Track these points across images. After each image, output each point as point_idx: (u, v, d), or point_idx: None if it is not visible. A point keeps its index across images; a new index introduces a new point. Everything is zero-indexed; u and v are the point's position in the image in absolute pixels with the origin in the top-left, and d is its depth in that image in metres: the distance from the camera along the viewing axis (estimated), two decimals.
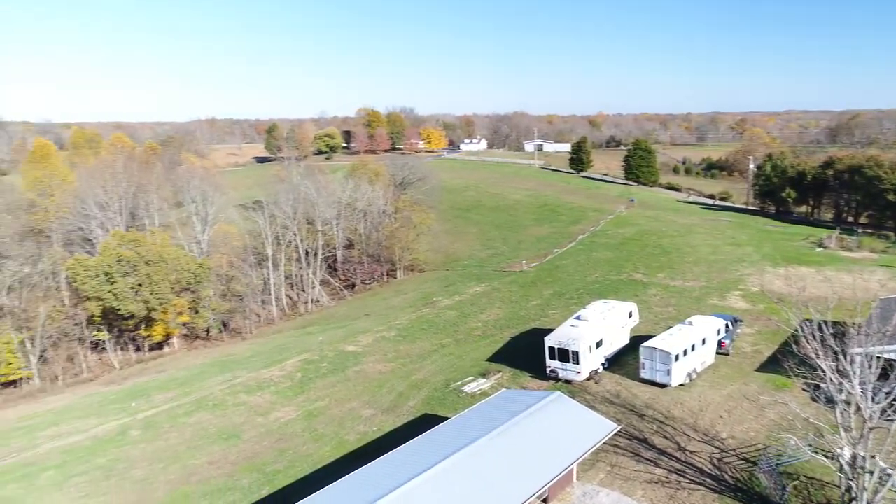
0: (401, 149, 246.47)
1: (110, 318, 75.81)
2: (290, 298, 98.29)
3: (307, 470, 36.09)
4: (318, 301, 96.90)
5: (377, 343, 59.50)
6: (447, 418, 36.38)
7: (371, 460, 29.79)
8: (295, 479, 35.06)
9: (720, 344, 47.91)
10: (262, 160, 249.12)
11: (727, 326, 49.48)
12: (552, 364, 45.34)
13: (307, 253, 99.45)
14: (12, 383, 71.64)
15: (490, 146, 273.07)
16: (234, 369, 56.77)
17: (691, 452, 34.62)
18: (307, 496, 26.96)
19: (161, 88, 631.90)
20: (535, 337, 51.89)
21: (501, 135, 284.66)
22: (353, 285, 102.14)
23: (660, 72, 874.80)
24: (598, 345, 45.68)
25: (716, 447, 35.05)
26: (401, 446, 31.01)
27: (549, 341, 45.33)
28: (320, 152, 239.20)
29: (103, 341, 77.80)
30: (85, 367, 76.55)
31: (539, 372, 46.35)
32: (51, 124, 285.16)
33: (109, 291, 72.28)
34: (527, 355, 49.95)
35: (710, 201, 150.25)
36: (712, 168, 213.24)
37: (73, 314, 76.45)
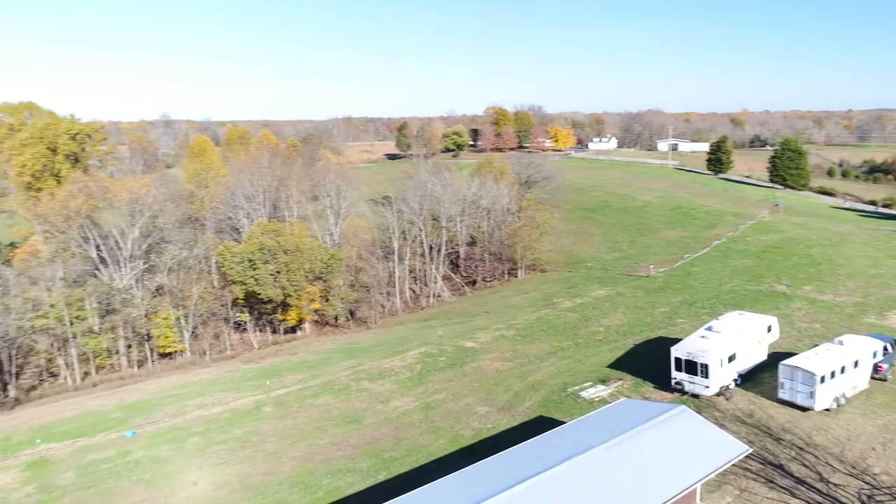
0: (527, 147, 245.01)
1: (252, 302, 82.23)
2: (413, 292, 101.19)
3: (422, 460, 36.94)
4: (439, 296, 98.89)
5: (495, 341, 59.62)
6: (563, 422, 35.66)
7: (485, 457, 29.88)
8: (411, 468, 36.02)
9: (876, 368, 42.96)
10: (392, 157, 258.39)
11: (885, 349, 44.22)
12: (678, 376, 43.00)
13: (431, 248, 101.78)
14: (169, 355, 79.99)
15: (620, 145, 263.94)
16: (358, 356, 59.42)
17: (835, 485, 31.33)
18: (422, 485, 27.57)
19: (304, 89, 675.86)
20: (661, 346, 49.46)
21: (633, 133, 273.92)
22: (474, 282, 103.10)
23: (815, 64, 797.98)
24: (731, 359, 42.64)
25: (865, 482, 31.45)
26: (515, 446, 30.82)
27: (676, 352, 43.01)
28: (447, 150, 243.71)
29: (245, 322, 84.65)
30: (228, 344, 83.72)
31: (663, 383, 44.14)
32: (209, 122, 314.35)
33: (252, 277, 78.35)
34: (650, 365, 47.76)
35: (871, 208, 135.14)
36: (875, 171, 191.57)
37: (221, 296, 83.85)
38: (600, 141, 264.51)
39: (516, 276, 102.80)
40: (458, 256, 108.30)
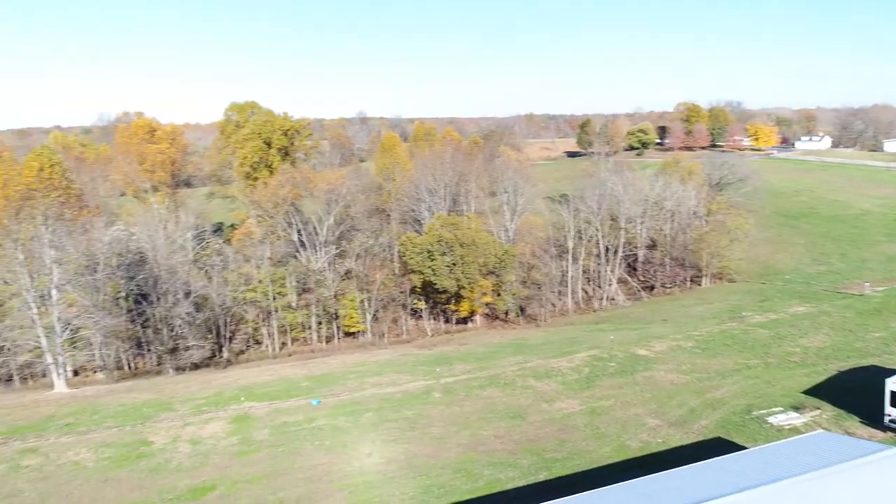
0: (721, 146, 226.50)
1: (428, 291, 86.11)
2: (586, 293, 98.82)
3: (585, 465, 35.98)
4: (613, 299, 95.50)
5: (672, 351, 56.11)
6: (744, 448, 32.51)
7: (654, 471, 28.25)
8: (572, 472, 35.27)
9: None
10: (572, 155, 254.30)
11: None
12: (893, 413, 37.02)
13: (607, 249, 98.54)
14: (352, 334, 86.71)
15: (835, 145, 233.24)
16: (526, 353, 59.47)
17: None
18: (584, 490, 26.83)
19: (489, 86, 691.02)
20: (873, 376, 42.99)
21: (852, 131, 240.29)
22: (652, 287, 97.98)
23: None
24: None
25: None
26: (689, 465, 28.73)
27: (894, 384, 37.07)
28: (631, 148, 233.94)
29: (420, 310, 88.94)
30: (405, 329, 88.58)
31: (872, 419, 38.32)
32: (400, 120, 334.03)
33: (429, 267, 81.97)
34: (857, 395, 41.73)
35: None
36: None
37: (401, 283, 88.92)
38: (810, 139, 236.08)
39: (700, 285, 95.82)
40: (636, 259, 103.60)
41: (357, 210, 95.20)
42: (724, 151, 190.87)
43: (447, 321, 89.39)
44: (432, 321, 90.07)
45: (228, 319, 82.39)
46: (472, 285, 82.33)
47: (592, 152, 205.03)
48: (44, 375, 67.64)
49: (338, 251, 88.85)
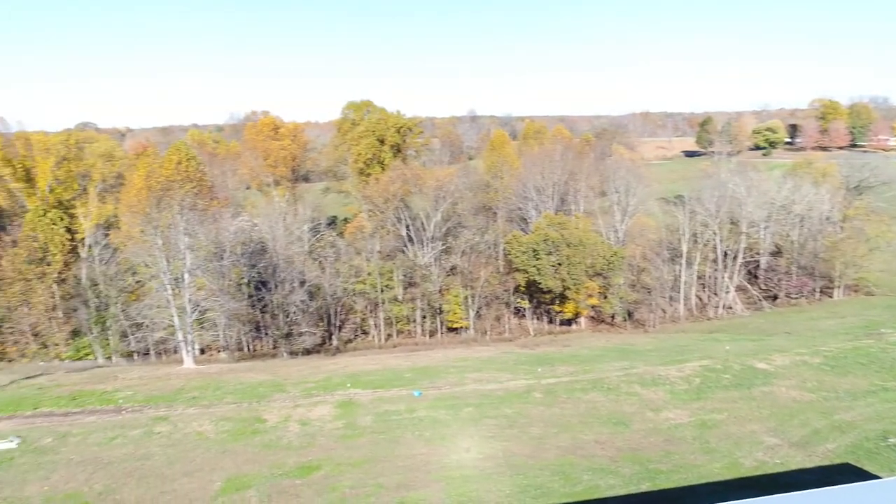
0: (862, 146, 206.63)
1: (532, 290, 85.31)
2: (700, 300, 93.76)
3: (692, 480, 34.12)
4: (730, 307, 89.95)
5: (795, 367, 51.88)
6: (877, 477, 29.42)
7: (767, 493, 26.23)
8: (678, 485, 33.57)
9: None
10: (690, 154, 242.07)
11: None
12: None
13: (725, 255, 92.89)
14: (455, 329, 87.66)
15: None
16: (632, 359, 57.35)
17: None
18: None
19: (602, 83, 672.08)
20: None
21: None
22: (775, 297, 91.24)
23: None
24: None
25: None
26: (811, 490, 26.42)
27: None
28: (757, 148, 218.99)
29: (524, 309, 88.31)
30: (507, 328, 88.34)
31: None
32: (510, 118, 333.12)
33: (534, 266, 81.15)
34: None
35: None
36: None
37: (505, 281, 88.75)
38: None
39: (830, 297, 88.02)
40: (758, 267, 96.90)
41: (464, 207, 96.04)
42: (865, 152, 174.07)
43: (550, 322, 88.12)
44: (535, 321, 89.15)
45: (339, 309, 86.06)
46: (577, 286, 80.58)
47: (713, 151, 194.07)
48: (175, 352, 73.98)
49: (444, 247, 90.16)
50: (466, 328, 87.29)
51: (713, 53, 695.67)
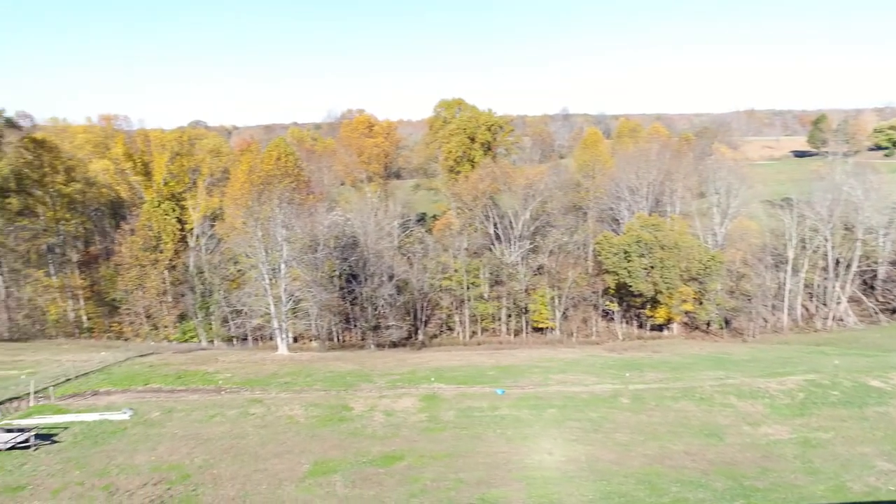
0: None
1: (622, 293, 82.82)
2: (807, 310, 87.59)
3: (791, 501, 31.92)
4: (841, 319, 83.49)
5: None
6: None
7: None
8: None
9: None
10: (800, 154, 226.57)
11: None
12: None
13: (837, 263, 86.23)
14: (540, 330, 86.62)
15: None
16: (728, 369, 54.43)
17: None
18: None
19: (703, 80, 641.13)
20: None
21: None
22: (894, 311, 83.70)
23: None
24: None
25: None
26: None
27: None
28: (878, 147, 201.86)
29: (612, 312, 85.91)
30: (594, 330, 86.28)
31: None
32: (604, 116, 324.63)
33: (625, 268, 78.74)
34: None
35: None
36: None
37: (593, 283, 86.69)
38: None
39: None
40: (875, 276, 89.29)
41: (553, 206, 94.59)
42: None
43: (640, 326, 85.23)
44: (624, 325, 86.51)
45: (425, 304, 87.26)
46: (670, 291, 77.43)
47: (826, 152, 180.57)
48: (271, 338, 77.71)
49: (532, 246, 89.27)
50: (552, 329, 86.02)
51: (828, 47, 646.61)
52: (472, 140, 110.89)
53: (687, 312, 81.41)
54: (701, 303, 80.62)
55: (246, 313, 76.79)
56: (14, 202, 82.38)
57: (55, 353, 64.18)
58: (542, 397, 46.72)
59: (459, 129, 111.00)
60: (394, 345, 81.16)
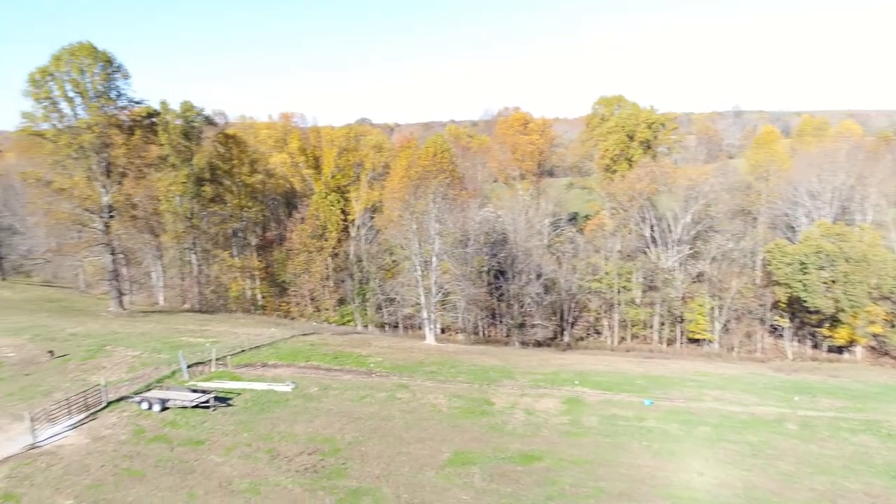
0: None
1: (794, 308, 75.07)
2: None
3: None
4: None
5: None
6: None
7: None
8: None
9: None
10: None
11: None
12: None
13: None
14: (696, 341, 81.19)
15: None
16: None
17: None
18: None
19: None
20: None
21: None
22: None
23: None
24: None
25: None
26: None
27: None
28: None
29: (782, 328, 78.11)
30: (759, 347, 79.07)
31: None
32: (782, 113, 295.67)
33: (800, 281, 71.29)
34: None
35: None
36: None
37: (761, 295, 79.36)
38: None
39: None
40: None
41: (718, 209, 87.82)
42: None
43: (815, 346, 76.59)
44: (796, 343, 78.27)
45: (572, 305, 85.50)
46: (855, 309, 68.69)
47: None
48: (420, 328, 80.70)
49: (691, 251, 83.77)
50: (710, 341, 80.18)
51: None
52: (631, 138, 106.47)
53: (875, 335, 71.72)
54: (893, 325, 70.62)
55: (398, 302, 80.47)
56: (208, 190, 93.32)
57: (234, 325, 71.83)
58: (694, 413, 43.77)
59: (618, 126, 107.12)
60: (538, 344, 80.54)
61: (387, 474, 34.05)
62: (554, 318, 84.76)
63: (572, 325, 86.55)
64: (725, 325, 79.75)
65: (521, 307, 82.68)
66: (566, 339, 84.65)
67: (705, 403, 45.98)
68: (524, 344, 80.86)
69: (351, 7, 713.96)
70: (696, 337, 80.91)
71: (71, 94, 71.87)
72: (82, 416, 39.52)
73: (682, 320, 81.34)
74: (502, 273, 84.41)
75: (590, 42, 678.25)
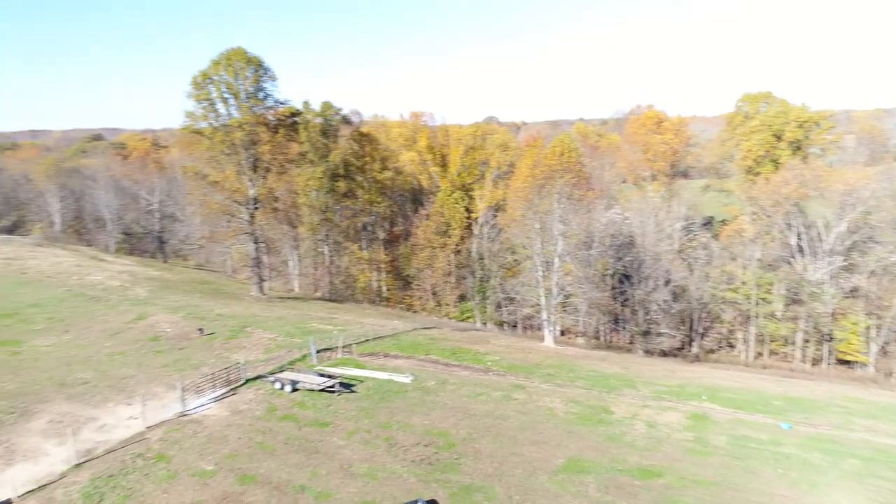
0: None
1: None
2: None
3: None
4: None
5: None
6: None
7: None
8: None
9: None
10: None
11: None
12: None
13: None
14: (847, 363, 73.49)
15: None
16: None
17: None
18: None
19: None
20: None
21: None
22: None
23: None
24: None
25: None
26: None
27: None
28: None
29: None
30: None
31: None
32: None
33: None
34: None
35: None
36: None
37: None
38: None
39: None
40: None
41: (880, 218, 78.68)
42: None
43: None
44: None
45: (703, 315, 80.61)
46: None
47: None
48: (539, 329, 79.88)
49: (845, 263, 75.76)
50: (864, 364, 72.12)
51: None
52: (779, 138, 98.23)
53: None
54: None
55: (518, 301, 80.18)
56: (342, 185, 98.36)
57: (360, 315, 75.23)
58: (840, 442, 39.58)
59: (764, 125, 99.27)
60: (664, 354, 76.78)
61: (499, 474, 34.04)
62: (682, 328, 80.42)
63: (702, 336, 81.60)
64: (884, 347, 71.39)
65: (647, 314, 79.21)
66: (694, 350, 79.96)
67: (855, 433, 41.43)
68: (648, 352, 77.41)
69: (481, 7, 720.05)
70: (848, 358, 73.17)
71: (226, 96, 78.78)
72: (224, 390, 43.23)
73: (832, 339, 73.89)
74: (627, 277, 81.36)
75: (733, 36, 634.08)
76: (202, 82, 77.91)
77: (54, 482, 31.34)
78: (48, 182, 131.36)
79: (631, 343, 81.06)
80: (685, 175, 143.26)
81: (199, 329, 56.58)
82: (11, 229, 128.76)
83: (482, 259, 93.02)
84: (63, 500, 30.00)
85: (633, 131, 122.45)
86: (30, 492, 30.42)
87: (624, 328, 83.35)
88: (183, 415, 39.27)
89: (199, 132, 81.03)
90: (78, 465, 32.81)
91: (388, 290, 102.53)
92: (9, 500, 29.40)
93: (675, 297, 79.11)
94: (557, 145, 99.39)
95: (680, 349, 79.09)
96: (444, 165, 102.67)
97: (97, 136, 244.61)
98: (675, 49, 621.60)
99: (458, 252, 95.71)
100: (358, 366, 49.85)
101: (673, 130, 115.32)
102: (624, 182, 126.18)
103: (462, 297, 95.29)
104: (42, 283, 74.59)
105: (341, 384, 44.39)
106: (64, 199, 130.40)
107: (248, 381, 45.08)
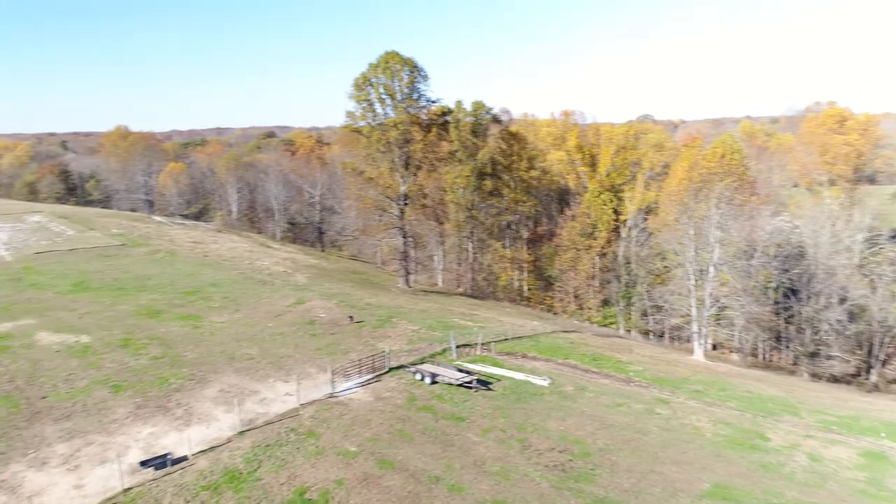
0: None
1: None
2: None
3: None
4: None
5: None
6: None
7: None
8: None
9: None
10: None
11: None
12: None
13: None
14: None
15: None
16: None
17: None
18: None
19: None
20: None
21: None
22: None
23: None
24: None
25: None
26: None
27: None
28: None
29: None
30: None
31: None
32: None
33: None
34: None
35: None
36: None
37: None
38: None
39: None
40: None
41: None
42: None
43: None
44: None
45: (886, 340, 71.11)
46: None
47: None
48: (687, 341, 75.21)
49: None
50: None
51: None
52: None
53: None
54: None
55: (666, 310, 76.02)
56: (488, 184, 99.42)
57: (499, 313, 75.62)
58: None
59: None
60: (834, 379, 68.84)
61: (637, 490, 32.58)
62: (858, 352, 71.57)
63: (883, 363, 72.02)
64: None
65: (816, 333, 71.42)
66: (873, 378, 70.77)
67: None
68: (815, 376, 69.80)
69: (632, 4, 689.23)
70: None
71: (383, 96, 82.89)
72: (369, 376, 45.61)
73: None
74: (794, 292, 73.92)
75: None
76: (362, 84, 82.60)
77: (221, 445, 35.02)
78: (228, 174, 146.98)
79: (795, 364, 73.62)
80: (871, 180, 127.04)
81: (350, 316, 60.11)
82: (198, 216, 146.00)
83: (629, 263, 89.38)
84: (228, 462, 33.42)
85: (809, 130, 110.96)
86: (202, 451, 34.26)
87: (787, 347, 75.89)
88: (332, 396, 42.01)
89: (357, 131, 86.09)
90: (241, 433, 36.36)
91: (529, 289, 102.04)
92: (185, 456, 33.33)
93: (852, 317, 70.51)
94: (718, 146, 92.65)
95: (855, 376, 70.43)
96: (592, 165, 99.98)
97: (270, 134, 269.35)
98: (861, 41, 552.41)
99: (603, 255, 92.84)
100: (495, 364, 50.17)
101: (859, 130, 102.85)
102: (795, 186, 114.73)
103: (605, 302, 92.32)
104: (220, 265, 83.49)
105: (479, 381, 44.92)
106: (240, 191, 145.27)
107: (391, 369, 47.16)
